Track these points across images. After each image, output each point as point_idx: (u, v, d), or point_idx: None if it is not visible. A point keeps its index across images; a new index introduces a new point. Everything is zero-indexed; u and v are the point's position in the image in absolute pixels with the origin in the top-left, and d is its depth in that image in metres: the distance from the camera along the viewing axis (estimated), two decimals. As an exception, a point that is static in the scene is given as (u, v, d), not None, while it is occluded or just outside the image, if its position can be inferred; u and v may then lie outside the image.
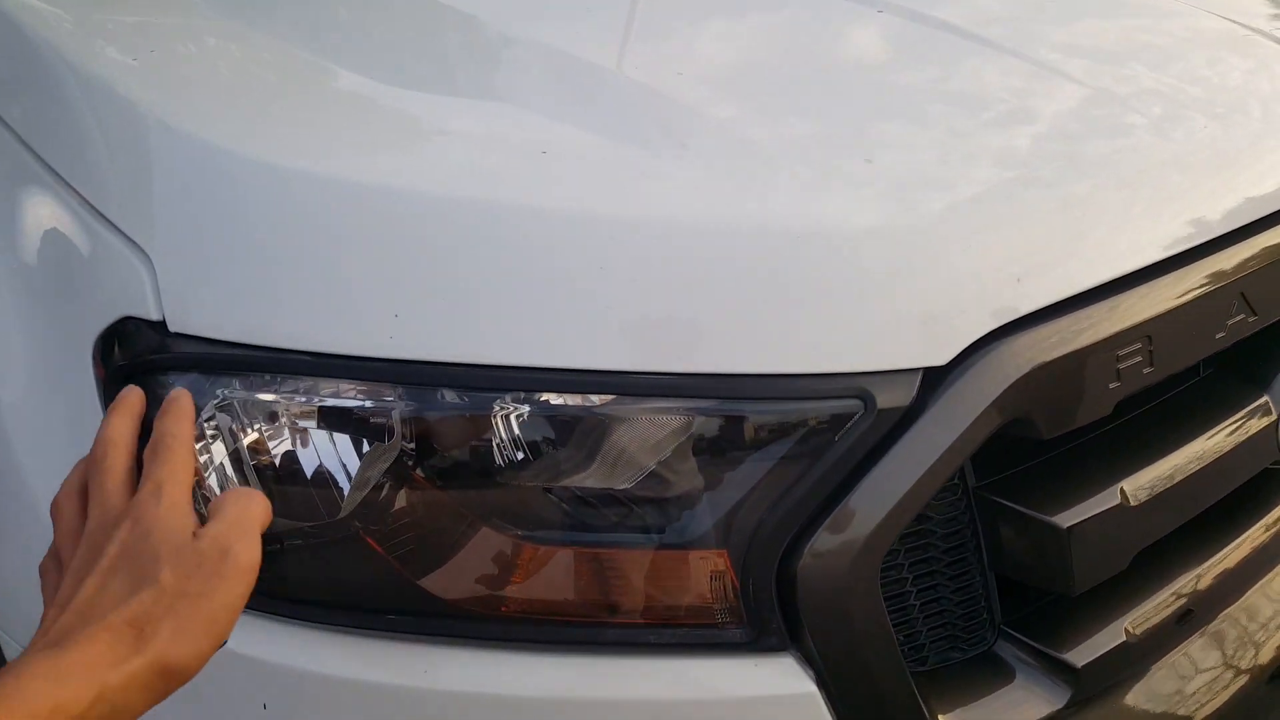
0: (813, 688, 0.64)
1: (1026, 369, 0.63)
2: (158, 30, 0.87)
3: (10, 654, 0.79)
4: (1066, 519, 0.68)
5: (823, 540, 0.61)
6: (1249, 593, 0.84)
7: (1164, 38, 1.01)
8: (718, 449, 0.62)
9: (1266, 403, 0.81)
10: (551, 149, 0.66)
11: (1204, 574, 0.81)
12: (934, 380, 0.63)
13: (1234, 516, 0.86)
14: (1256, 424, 0.79)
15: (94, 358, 0.68)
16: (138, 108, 0.73)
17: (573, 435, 0.63)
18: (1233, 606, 0.83)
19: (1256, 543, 0.85)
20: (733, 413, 0.62)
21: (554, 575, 0.64)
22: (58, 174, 0.74)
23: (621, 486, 0.63)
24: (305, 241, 0.63)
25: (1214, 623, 0.82)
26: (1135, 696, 0.77)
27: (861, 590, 0.62)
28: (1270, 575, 0.86)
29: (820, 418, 0.61)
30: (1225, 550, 0.83)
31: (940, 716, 0.69)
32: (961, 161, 0.71)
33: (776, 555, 0.62)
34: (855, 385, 0.61)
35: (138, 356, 0.65)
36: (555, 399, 0.63)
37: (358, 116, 0.73)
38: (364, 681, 0.63)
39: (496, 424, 0.63)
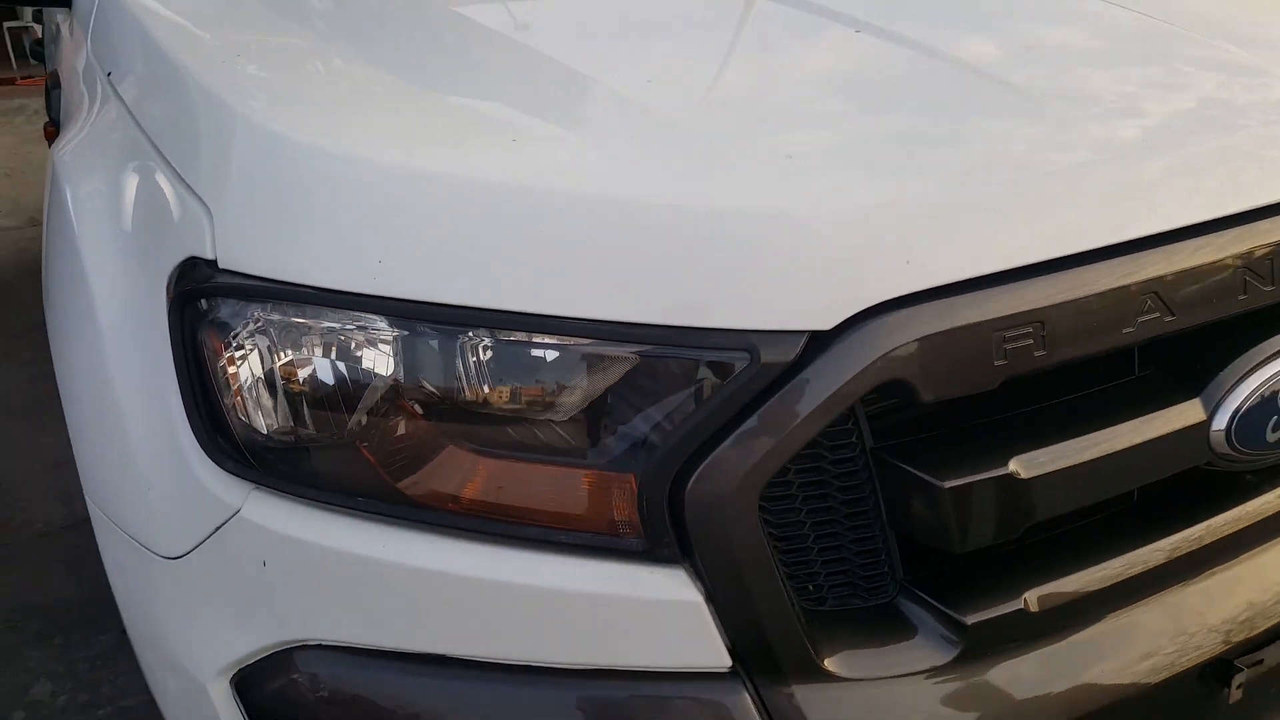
0: (700, 599, 0.76)
1: (904, 340, 0.73)
2: (258, 47, 1.08)
3: (103, 529, 1.00)
4: (948, 481, 0.77)
5: (707, 470, 0.73)
6: (1178, 588, 0.90)
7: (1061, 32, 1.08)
8: (630, 386, 0.75)
9: (1196, 404, 0.86)
10: (521, 138, 0.82)
11: (1132, 563, 0.87)
12: (823, 342, 0.74)
13: (1178, 513, 0.92)
14: (1179, 422, 0.85)
15: (167, 288, 0.87)
16: (226, 103, 0.92)
17: (520, 369, 0.77)
18: (1157, 599, 0.89)
19: (1193, 541, 0.90)
20: (644, 355, 0.74)
21: (494, 482, 0.78)
22: (157, 148, 0.95)
23: (554, 415, 0.77)
24: (325, 204, 0.80)
25: (1134, 611, 0.88)
26: (1034, 664, 0.84)
27: (741, 518, 0.74)
28: (1202, 577, 0.91)
29: (712, 365, 0.73)
30: (1158, 544, 0.89)
31: (824, 651, 0.79)
32: (859, 151, 0.82)
33: (669, 480, 0.74)
34: (744, 340, 0.73)
35: (195, 284, 0.84)
36: (511, 336, 0.77)
37: (385, 114, 0.91)
38: (339, 550, 0.79)
39: (463, 354, 0.78)
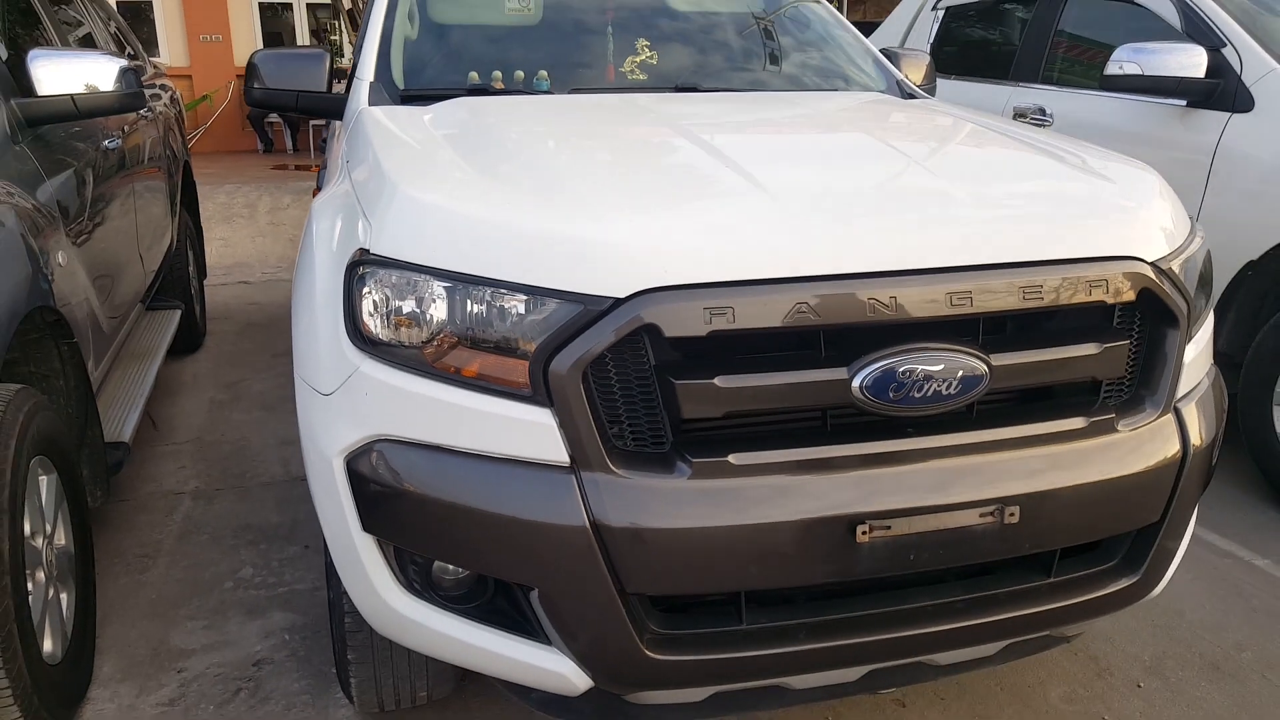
0: (555, 425, 1.64)
1: (656, 306, 1.60)
2: (418, 156, 2.11)
3: (299, 384, 1.98)
4: (680, 380, 1.62)
5: (558, 360, 1.62)
6: (843, 473, 1.68)
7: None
8: (533, 317, 1.65)
9: (844, 370, 1.66)
10: (511, 202, 1.76)
11: (807, 454, 1.67)
12: (619, 303, 1.61)
13: (853, 435, 1.71)
14: (830, 377, 1.66)
15: (347, 263, 1.86)
16: (394, 182, 1.91)
17: (491, 307, 1.69)
18: (825, 476, 1.67)
19: (851, 450, 1.69)
20: (537, 302, 1.65)
21: (477, 363, 1.70)
22: (359, 199, 1.97)
23: (505, 332, 1.68)
24: (417, 222, 1.77)
25: (809, 478, 1.67)
26: (733, 489, 1.64)
27: (574, 385, 1.61)
28: (865, 470, 1.68)
29: (567, 309, 1.63)
30: (824, 448, 1.68)
31: (618, 465, 1.64)
32: (657, 216, 1.70)
33: (543, 363, 1.63)
34: (583, 298, 1.62)
35: (358, 259, 1.82)
36: (489, 290, 1.69)
37: (450, 188, 1.88)
38: (399, 387, 1.72)
39: (470, 300, 1.70)
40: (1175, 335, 1.92)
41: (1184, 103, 3.94)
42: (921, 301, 1.69)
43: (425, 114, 2.52)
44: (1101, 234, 1.85)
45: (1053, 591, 1.89)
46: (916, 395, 1.69)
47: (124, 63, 3.05)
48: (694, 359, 1.68)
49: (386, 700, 2.27)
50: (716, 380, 1.63)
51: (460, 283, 1.70)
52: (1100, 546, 1.97)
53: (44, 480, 2.41)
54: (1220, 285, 3.74)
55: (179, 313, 4.82)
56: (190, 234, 5.68)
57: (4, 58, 2.92)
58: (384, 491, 1.75)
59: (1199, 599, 3.00)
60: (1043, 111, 4.63)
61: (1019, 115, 4.73)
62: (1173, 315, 1.90)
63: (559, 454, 1.65)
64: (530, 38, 3.29)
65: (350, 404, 1.80)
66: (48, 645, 2.30)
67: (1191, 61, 3.80)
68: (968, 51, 5.47)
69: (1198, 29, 3.99)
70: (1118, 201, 1.97)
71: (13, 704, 2.05)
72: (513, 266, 1.68)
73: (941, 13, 5.66)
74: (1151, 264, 1.86)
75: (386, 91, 2.80)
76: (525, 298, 1.66)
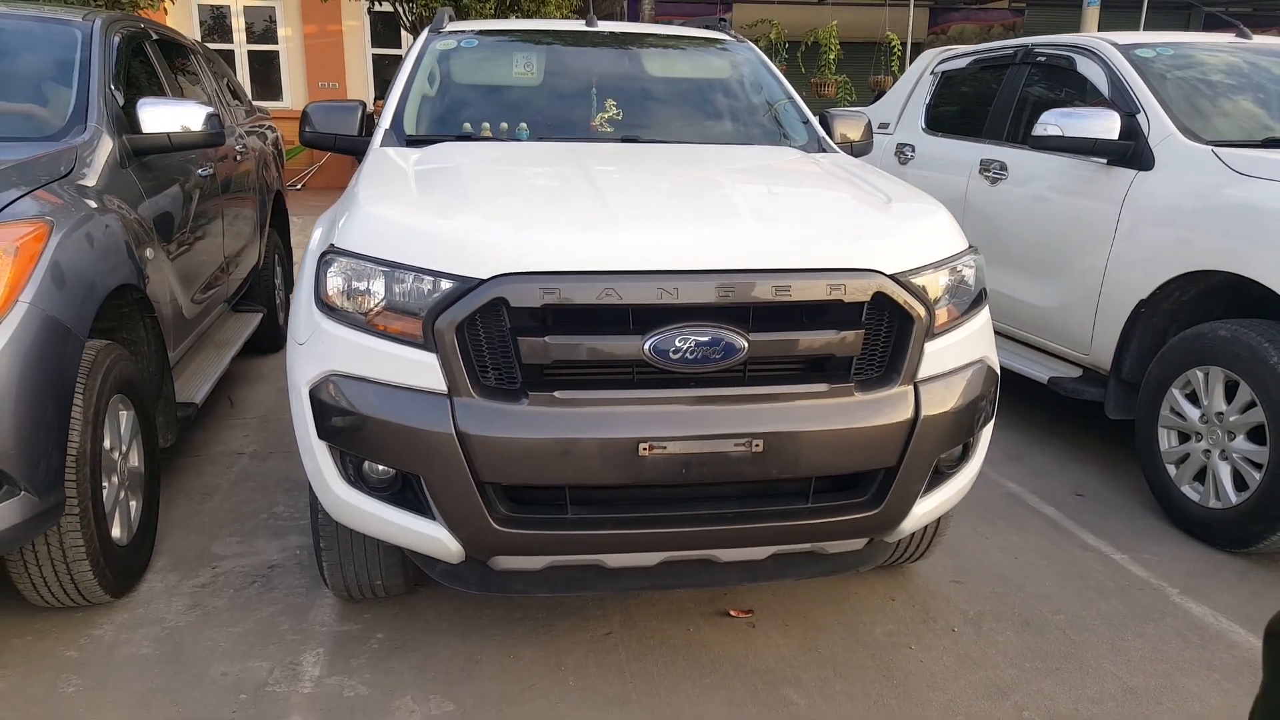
0: (437, 364, 2.45)
1: (505, 285, 2.40)
2: (386, 180, 2.98)
3: (290, 341, 2.85)
4: (522, 339, 2.41)
5: (440, 320, 2.43)
6: (639, 405, 2.44)
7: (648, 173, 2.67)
8: (429, 290, 2.48)
9: (639, 338, 2.43)
10: (430, 208, 2.60)
11: (612, 395, 2.45)
12: (482, 282, 2.42)
13: (652, 384, 2.47)
14: (628, 342, 2.43)
15: (320, 253, 2.72)
16: (360, 199, 2.78)
17: (409, 285, 2.52)
18: (625, 406, 2.44)
19: (649, 394, 2.45)
20: (435, 281, 2.47)
21: (399, 323, 2.53)
22: (338, 211, 2.85)
23: (416, 302, 2.51)
24: (366, 225, 2.62)
25: (613, 408, 2.43)
26: (557, 414, 2.42)
27: (449, 338, 2.42)
28: (657, 405, 2.44)
29: (448, 285, 2.44)
30: (625, 391, 2.45)
31: (478, 393, 2.44)
32: (522, 223, 2.51)
33: (432, 321, 2.45)
34: (458, 278, 2.43)
35: (327, 250, 2.68)
36: (409, 273, 2.52)
37: (397, 204, 2.73)
38: (346, 339, 2.57)
39: (397, 280, 2.54)
40: (914, 330, 2.61)
41: (1104, 160, 4.56)
42: (697, 292, 2.45)
43: (415, 154, 3.40)
44: (847, 251, 2.57)
45: (810, 513, 2.60)
46: (691, 358, 2.44)
47: (210, 109, 4.02)
48: (538, 324, 2.47)
49: (350, 586, 3.09)
50: (547, 339, 2.42)
51: (390, 268, 2.54)
52: (857, 485, 2.67)
53: (123, 415, 3.33)
54: (1120, 320, 4.34)
55: (260, 315, 5.82)
56: (279, 252, 6.72)
57: (121, 103, 3.93)
58: (332, 409, 2.58)
59: (1043, 577, 3.61)
60: (1003, 166, 5.28)
61: (984, 169, 5.39)
62: (909, 316, 2.60)
63: (440, 385, 2.46)
64: (526, 96, 4.16)
65: (314, 350, 2.64)
66: (116, 531, 3.20)
67: (1107, 125, 4.43)
68: (955, 111, 6.14)
69: (1121, 95, 4.62)
70: (875, 227, 2.69)
71: (84, 559, 2.95)
72: (422, 257, 2.50)
73: (938, 76, 6.36)
74: (890, 276, 2.57)
75: (396, 136, 3.69)
76: (429, 278, 2.48)
